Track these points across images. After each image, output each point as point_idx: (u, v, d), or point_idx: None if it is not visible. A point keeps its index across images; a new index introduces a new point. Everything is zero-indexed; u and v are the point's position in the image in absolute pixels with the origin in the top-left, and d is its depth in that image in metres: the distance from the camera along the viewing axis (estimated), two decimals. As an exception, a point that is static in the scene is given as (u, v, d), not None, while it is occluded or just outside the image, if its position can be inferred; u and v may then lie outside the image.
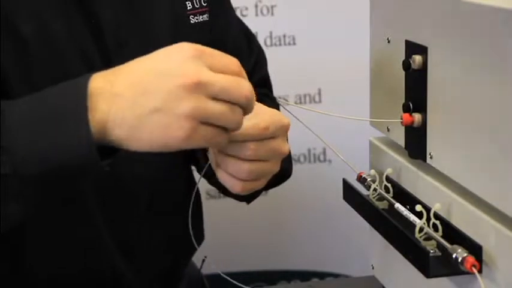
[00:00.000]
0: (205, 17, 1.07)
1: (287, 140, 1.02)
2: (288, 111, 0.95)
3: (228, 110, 0.73)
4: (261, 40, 1.88)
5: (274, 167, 0.86)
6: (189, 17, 1.05)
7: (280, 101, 0.95)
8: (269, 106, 1.11)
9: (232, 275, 1.02)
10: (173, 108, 0.70)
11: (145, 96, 0.71)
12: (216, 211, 1.05)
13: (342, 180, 0.97)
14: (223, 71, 0.74)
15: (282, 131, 0.85)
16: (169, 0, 1.03)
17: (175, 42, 1.03)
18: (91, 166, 0.72)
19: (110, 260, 1.01)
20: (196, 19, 1.06)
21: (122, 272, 1.03)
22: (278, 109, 1.16)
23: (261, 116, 0.82)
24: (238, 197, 1.04)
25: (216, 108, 0.72)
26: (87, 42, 0.95)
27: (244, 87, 0.74)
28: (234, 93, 0.73)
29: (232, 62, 0.75)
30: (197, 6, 1.06)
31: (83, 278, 1.01)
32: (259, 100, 1.11)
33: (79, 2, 0.94)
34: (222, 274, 1.02)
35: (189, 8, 1.05)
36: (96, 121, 0.71)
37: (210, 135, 0.73)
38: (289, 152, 1.10)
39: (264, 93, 1.16)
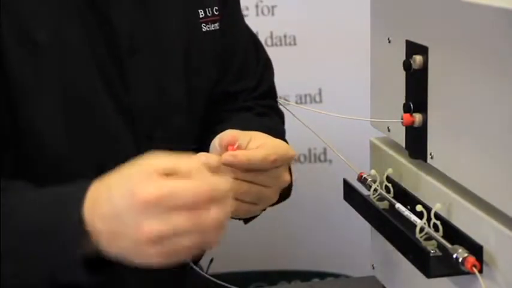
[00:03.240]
0: (216, 25, 1.08)
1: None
2: (288, 111, 0.95)
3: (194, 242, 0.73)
4: (261, 40, 1.88)
5: (273, 195, 0.89)
6: (201, 25, 1.06)
7: (281, 101, 0.95)
8: (274, 120, 1.12)
9: (232, 275, 1.02)
10: (143, 253, 0.73)
11: (119, 240, 0.73)
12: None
13: (342, 180, 0.97)
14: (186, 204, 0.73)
15: (287, 162, 0.88)
16: (183, 8, 1.04)
17: (188, 50, 1.04)
18: (85, 283, 0.76)
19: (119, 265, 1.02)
20: (208, 27, 1.07)
21: (129, 275, 1.03)
22: (282, 120, 1.17)
23: (270, 148, 0.84)
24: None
25: (184, 244, 0.72)
26: (100, 49, 0.96)
27: (206, 224, 0.72)
28: (197, 231, 0.72)
29: (190, 195, 0.72)
30: (209, 15, 1.07)
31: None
32: (264, 114, 1.12)
33: (94, 9, 0.95)
34: (207, 276, 1.02)
35: (201, 16, 1.06)
36: (90, 246, 0.75)
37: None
38: (291, 176, 1.11)
39: (270, 105, 1.16)
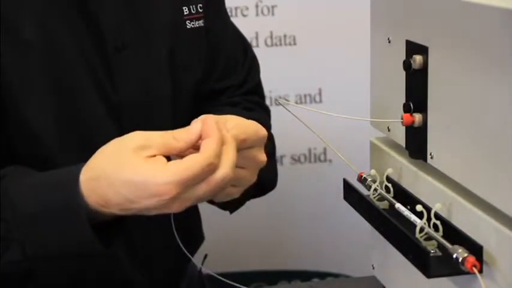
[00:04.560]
0: (201, 22, 1.08)
1: (274, 148, 1.08)
2: (288, 111, 0.95)
3: (207, 190, 0.79)
4: (261, 40, 1.88)
5: (251, 176, 0.89)
6: (185, 22, 1.07)
7: (281, 101, 0.95)
8: (260, 115, 1.13)
9: (232, 275, 1.02)
10: (165, 209, 0.80)
11: (138, 207, 0.80)
12: (216, 211, 1.05)
13: (342, 180, 0.97)
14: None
15: (259, 142, 0.87)
16: (167, 5, 1.05)
17: (173, 47, 1.05)
18: (96, 253, 0.83)
19: (119, 262, 1.02)
20: (193, 24, 1.07)
21: (130, 273, 1.04)
22: (269, 116, 1.17)
23: (240, 128, 0.85)
24: (222, 206, 1.04)
25: (199, 194, 0.79)
26: (88, 46, 0.97)
27: (203, 166, 0.78)
28: (203, 176, 0.78)
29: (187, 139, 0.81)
30: (193, 12, 1.07)
31: (93, 279, 1.02)
32: (250, 109, 1.13)
33: (80, 5, 0.96)
34: (215, 275, 1.02)
35: (185, 13, 1.07)
36: (105, 217, 0.82)
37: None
38: (275, 165, 1.11)
39: (256, 101, 1.17)
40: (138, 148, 0.78)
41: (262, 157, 0.88)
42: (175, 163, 0.78)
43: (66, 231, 0.81)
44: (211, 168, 0.78)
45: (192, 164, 0.77)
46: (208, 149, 0.78)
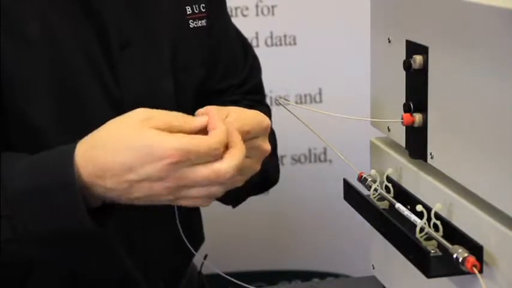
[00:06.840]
0: (203, 22, 1.09)
1: (275, 139, 1.09)
2: (288, 110, 0.95)
3: (205, 176, 0.79)
4: (261, 40, 1.88)
5: (256, 165, 0.89)
6: (188, 21, 1.07)
7: (281, 101, 0.95)
8: (261, 110, 1.13)
9: (232, 275, 1.02)
10: (160, 183, 0.79)
11: (134, 177, 0.79)
12: (216, 211, 1.05)
13: (342, 180, 0.97)
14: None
15: (263, 132, 0.88)
16: (170, 4, 1.05)
17: (175, 45, 1.05)
18: (88, 231, 0.82)
19: (118, 260, 1.02)
20: (195, 24, 1.08)
21: (130, 272, 1.04)
22: (270, 114, 1.18)
23: (243, 119, 0.85)
24: (224, 201, 1.04)
25: (197, 176, 0.79)
26: (91, 44, 0.97)
27: (209, 146, 0.79)
28: (206, 158, 0.79)
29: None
30: (196, 12, 1.08)
31: (93, 278, 1.02)
32: (251, 107, 1.13)
33: (84, 4, 0.96)
34: (221, 273, 1.02)
35: (188, 12, 1.07)
36: (94, 198, 0.82)
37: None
38: (276, 160, 1.11)
39: (258, 100, 1.17)
40: (143, 120, 0.80)
41: (267, 146, 0.89)
42: (182, 135, 0.79)
43: (58, 206, 0.80)
44: (215, 153, 0.78)
45: (199, 140, 0.78)
46: (216, 135, 0.79)
